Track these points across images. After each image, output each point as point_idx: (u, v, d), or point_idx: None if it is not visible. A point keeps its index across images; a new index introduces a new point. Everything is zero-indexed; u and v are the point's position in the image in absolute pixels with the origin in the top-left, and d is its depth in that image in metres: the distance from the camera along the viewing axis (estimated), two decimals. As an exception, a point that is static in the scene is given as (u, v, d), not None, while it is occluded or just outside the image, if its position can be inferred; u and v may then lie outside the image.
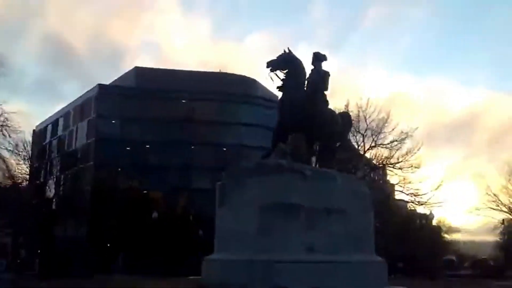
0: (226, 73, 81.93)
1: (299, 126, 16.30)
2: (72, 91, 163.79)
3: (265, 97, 79.71)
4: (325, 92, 16.66)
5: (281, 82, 16.07)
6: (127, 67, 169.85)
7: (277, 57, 16.01)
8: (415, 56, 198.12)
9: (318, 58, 16.63)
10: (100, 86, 74.53)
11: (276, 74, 16.02)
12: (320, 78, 16.44)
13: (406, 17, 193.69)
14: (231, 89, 76.04)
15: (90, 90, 75.87)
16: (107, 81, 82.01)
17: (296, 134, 16.96)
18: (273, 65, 15.94)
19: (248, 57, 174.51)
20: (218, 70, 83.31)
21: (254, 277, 13.42)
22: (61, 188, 66.84)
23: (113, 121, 71.98)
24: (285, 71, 16.03)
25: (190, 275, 27.70)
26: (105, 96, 72.85)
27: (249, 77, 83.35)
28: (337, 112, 19.51)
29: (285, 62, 16.00)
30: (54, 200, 65.30)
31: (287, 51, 16.09)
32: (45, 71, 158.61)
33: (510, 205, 67.05)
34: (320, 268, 14.31)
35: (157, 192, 65.42)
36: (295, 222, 14.33)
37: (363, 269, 15.52)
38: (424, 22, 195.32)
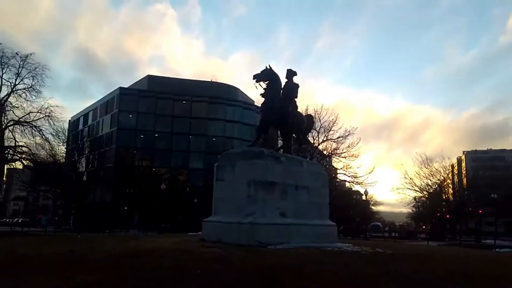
0: (216, 82, 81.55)
1: (276, 124, 16.38)
2: (96, 91, 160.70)
3: (244, 101, 79.60)
4: (295, 99, 16.69)
5: (263, 91, 16.03)
6: (140, 74, 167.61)
7: (261, 72, 15.95)
8: (354, 73, 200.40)
9: (291, 74, 16.64)
10: (121, 88, 73.14)
11: (260, 85, 15.98)
12: (292, 88, 16.48)
13: (347, 44, 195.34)
14: (219, 94, 75.68)
15: (113, 91, 74.47)
16: (123, 85, 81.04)
17: (273, 129, 16.88)
18: (258, 78, 15.91)
19: (231, 69, 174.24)
20: (210, 80, 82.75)
21: (241, 235, 13.45)
22: (89, 165, 65.78)
23: (131, 115, 70.85)
24: (266, 82, 16.00)
25: (189, 231, 27.60)
26: (125, 96, 71.54)
27: (232, 85, 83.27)
28: (304, 114, 19.62)
29: (267, 76, 15.97)
30: (85, 173, 64.32)
31: (268, 67, 16.05)
32: (76, 75, 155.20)
33: (421, 186, 68.53)
34: (290, 229, 14.43)
35: (163, 169, 65.06)
36: (272, 195, 14.39)
37: (320, 230, 15.68)
38: (360, 48, 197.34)
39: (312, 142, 43.84)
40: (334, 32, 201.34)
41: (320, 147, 43.09)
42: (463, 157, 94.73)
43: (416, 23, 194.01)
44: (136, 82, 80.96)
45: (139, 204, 52.22)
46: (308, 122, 17.52)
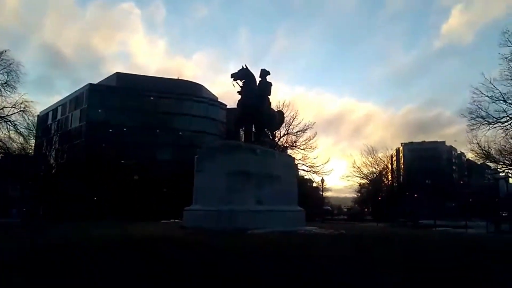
0: (182, 80, 79.75)
1: (251, 119, 16.32)
2: (62, 87, 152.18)
3: (209, 97, 78.73)
4: (269, 97, 16.70)
5: (240, 89, 15.91)
6: (106, 70, 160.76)
7: (238, 71, 15.83)
8: (307, 73, 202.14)
9: (264, 73, 16.64)
10: (91, 84, 70.07)
11: (237, 83, 15.84)
12: (266, 87, 16.49)
13: (301, 47, 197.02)
14: (186, 90, 74.30)
15: (83, 87, 71.16)
16: (90, 81, 77.19)
17: (249, 124, 16.79)
18: (235, 76, 15.78)
19: (195, 67, 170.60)
20: (176, 77, 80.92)
21: (222, 222, 13.37)
22: (59, 158, 62.56)
23: (99, 110, 68.07)
24: (243, 81, 15.89)
25: (161, 219, 27.00)
26: (94, 92, 68.60)
27: (197, 83, 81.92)
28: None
29: (243, 75, 15.87)
30: (54, 166, 61.08)
31: (244, 67, 15.94)
32: (42, 71, 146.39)
33: (367, 174, 70.85)
34: (265, 215, 14.49)
35: (132, 161, 62.95)
36: (249, 184, 14.40)
37: (292, 215, 15.90)
38: (313, 50, 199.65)
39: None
40: (290, 35, 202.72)
41: (282, 140, 43.36)
42: (401, 148, 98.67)
43: (364, 28, 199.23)
44: (105, 78, 77.66)
45: (110, 194, 50.36)
46: (280, 117, 17.60)
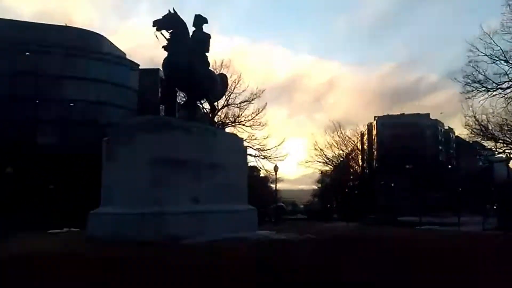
0: (73, 27, 75.97)
1: (182, 85, 16.14)
2: None
3: (113, 53, 76.23)
4: (207, 54, 16.56)
5: (166, 42, 15.55)
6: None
7: (163, 17, 15.39)
8: (251, 20, 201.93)
9: (200, 21, 16.43)
10: None
11: (162, 34, 15.46)
12: (202, 40, 16.32)
13: None
14: (78, 43, 71.13)
15: None
16: None
17: (179, 91, 16.57)
18: (159, 25, 15.32)
19: (91, 10, 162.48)
20: (64, 24, 77.03)
21: (146, 229, 13.21)
22: None
23: None
24: (170, 32, 15.53)
25: (47, 228, 25.90)
26: None
27: (97, 33, 78.39)
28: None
29: (171, 23, 15.48)
30: None
31: (172, 11, 15.54)
32: None
33: (332, 159, 73.46)
34: (205, 217, 14.56)
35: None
36: (183, 176, 14.32)
37: (240, 216, 16.13)
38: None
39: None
40: None
41: (220, 114, 43.47)
42: (374, 123, 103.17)
43: None
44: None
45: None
46: (222, 82, 17.55)
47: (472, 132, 37.78)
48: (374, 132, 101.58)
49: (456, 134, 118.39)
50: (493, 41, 31.14)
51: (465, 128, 38.11)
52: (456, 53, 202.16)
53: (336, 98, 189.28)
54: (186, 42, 15.81)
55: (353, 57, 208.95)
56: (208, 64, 16.62)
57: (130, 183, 14.01)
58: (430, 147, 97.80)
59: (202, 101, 17.08)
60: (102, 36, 78.59)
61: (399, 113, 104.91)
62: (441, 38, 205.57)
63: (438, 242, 15.16)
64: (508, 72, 30.86)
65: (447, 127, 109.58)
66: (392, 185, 77.17)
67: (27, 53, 67.23)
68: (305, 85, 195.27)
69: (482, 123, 35.14)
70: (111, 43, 79.40)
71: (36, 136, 65.49)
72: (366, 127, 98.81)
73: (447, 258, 10.21)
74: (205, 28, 16.64)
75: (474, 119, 35.10)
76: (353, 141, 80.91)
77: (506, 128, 34.81)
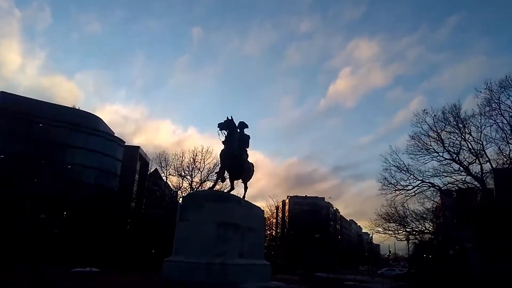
0: (77, 109, 73.59)
1: (232, 170, 16.39)
2: None
3: (107, 132, 73.89)
4: (247, 149, 17.11)
5: (224, 139, 16.03)
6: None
7: (224, 121, 15.94)
8: (200, 113, 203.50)
9: (243, 126, 17.06)
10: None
11: (223, 133, 15.96)
12: (246, 139, 16.94)
13: (198, 84, 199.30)
14: (81, 121, 68.49)
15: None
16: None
17: (231, 174, 16.66)
18: (221, 127, 15.88)
19: (76, 89, 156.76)
20: (72, 105, 74.39)
21: (212, 275, 12.82)
22: None
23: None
24: (227, 131, 16.08)
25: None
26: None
27: (95, 115, 76.20)
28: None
29: (227, 126, 16.06)
30: None
31: (230, 118, 16.20)
32: None
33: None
34: (246, 268, 14.32)
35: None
36: (236, 236, 14.20)
37: (263, 269, 15.95)
38: (209, 90, 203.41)
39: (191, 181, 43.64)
40: (188, 70, 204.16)
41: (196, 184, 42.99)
42: (287, 200, 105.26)
43: (261, 76, 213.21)
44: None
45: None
46: (252, 169, 17.93)
47: (382, 218, 36.63)
48: (287, 207, 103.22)
49: (340, 214, 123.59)
50: (398, 156, 33.87)
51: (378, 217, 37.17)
52: (341, 153, 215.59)
53: (257, 178, 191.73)
54: (236, 140, 16.34)
55: (270, 149, 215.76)
56: (247, 156, 17.08)
57: (198, 239, 13.65)
58: (325, 222, 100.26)
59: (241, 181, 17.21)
60: (100, 118, 76.45)
61: (304, 195, 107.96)
62: (331, 141, 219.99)
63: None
64: (407, 178, 33.34)
65: (335, 208, 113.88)
66: (303, 248, 76.60)
67: (41, 125, 63.54)
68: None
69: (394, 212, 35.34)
70: (106, 124, 77.10)
71: (40, 190, 59.97)
72: (281, 202, 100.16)
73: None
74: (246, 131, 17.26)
75: (394, 208, 35.27)
76: (268, 212, 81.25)
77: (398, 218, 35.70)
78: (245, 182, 17.04)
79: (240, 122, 17.06)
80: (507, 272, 27.83)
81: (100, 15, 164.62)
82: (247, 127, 17.19)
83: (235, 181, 17.16)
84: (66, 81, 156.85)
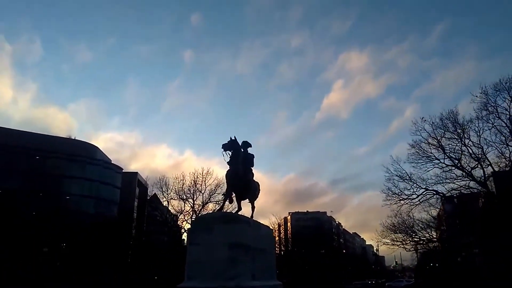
0: (75, 140, 73.28)
1: (239, 190, 16.28)
2: None
3: (104, 159, 73.55)
4: (251, 168, 17.04)
5: (229, 159, 15.97)
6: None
7: (228, 142, 15.92)
8: (196, 135, 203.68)
9: (246, 145, 17.04)
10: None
11: (227, 153, 15.91)
12: (251, 159, 16.88)
13: (192, 106, 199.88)
14: (78, 151, 68.26)
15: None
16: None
17: (238, 194, 16.52)
18: (225, 147, 15.84)
19: (70, 119, 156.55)
20: (68, 136, 74.21)
21: (226, 299, 12.55)
22: None
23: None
24: (231, 151, 16.03)
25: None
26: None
27: (92, 144, 76.08)
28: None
29: (231, 146, 16.03)
30: None
31: (233, 138, 16.18)
32: None
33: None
34: (260, 291, 14.07)
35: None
36: (247, 257, 13.96)
37: (275, 290, 15.68)
38: (203, 112, 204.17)
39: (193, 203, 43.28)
40: (181, 93, 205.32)
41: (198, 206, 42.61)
42: (289, 217, 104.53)
43: (254, 94, 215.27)
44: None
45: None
46: (258, 188, 17.81)
47: (389, 229, 36.51)
48: (289, 224, 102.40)
49: (343, 227, 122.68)
50: (400, 165, 33.82)
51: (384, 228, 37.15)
52: (338, 166, 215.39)
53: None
54: (241, 160, 16.26)
55: (267, 167, 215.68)
56: (253, 175, 16.99)
57: (210, 262, 13.38)
58: (329, 237, 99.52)
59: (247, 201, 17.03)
60: (97, 146, 76.30)
61: (305, 211, 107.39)
62: (328, 154, 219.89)
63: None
64: (411, 187, 33.13)
65: (337, 222, 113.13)
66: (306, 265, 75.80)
67: (37, 157, 63.13)
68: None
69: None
70: (102, 152, 76.81)
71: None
72: (283, 219, 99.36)
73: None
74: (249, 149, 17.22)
75: (400, 219, 34.94)
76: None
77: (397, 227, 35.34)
78: (252, 202, 16.88)
79: (244, 141, 17.03)
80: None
81: (90, 44, 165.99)
82: (251, 146, 17.14)
83: (242, 201, 17.00)
84: (59, 111, 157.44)
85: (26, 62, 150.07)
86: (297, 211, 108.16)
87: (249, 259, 14.02)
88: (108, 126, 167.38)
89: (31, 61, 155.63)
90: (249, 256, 14.04)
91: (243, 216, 15.33)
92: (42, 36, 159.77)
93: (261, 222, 17.67)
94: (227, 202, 16.19)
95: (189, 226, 45.82)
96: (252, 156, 17.06)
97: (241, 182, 15.77)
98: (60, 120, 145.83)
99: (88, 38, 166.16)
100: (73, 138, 74.14)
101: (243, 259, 13.61)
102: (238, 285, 12.81)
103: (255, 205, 17.04)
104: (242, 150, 16.78)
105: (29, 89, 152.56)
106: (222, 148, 15.74)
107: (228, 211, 23.05)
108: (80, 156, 68.21)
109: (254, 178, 17.10)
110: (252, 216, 16.66)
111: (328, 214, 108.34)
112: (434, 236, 37.90)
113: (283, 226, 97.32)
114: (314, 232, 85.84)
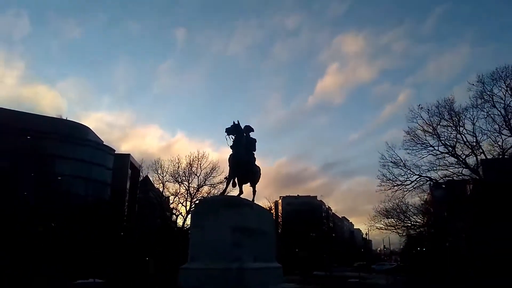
0: (66, 120, 72.32)
1: (241, 174, 16.37)
2: None
3: (96, 141, 72.88)
4: (254, 152, 17.11)
5: (232, 143, 16.00)
6: None
7: (231, 126, 15.92)
8: (188, 116, 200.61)
9: (249, 129, 17.07)
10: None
11: (231, 137, 15.93)
12: (253, 143, 16.96)
13: (184, 87, 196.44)
14: (70, 131, 67.50)
15: None
16: None
17: (240, 178, 16.58)
18: (229, 132, 15.86)
19: (59, 98, 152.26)
20: (59, 116, 73.19)
21: (229, 281, 12.76)
22: None
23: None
24: (234, 136, 16.06)
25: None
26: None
27: (84, 125, 75.23)
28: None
29: (234, 130, 16.05)
30: None
31: (236, 122, 16.18)
32: None
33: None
34: (261, 272, 14.28)
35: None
36: (250, 240, 14.15)
37: (275, 271, 15.95)
38: (196, 93, 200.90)
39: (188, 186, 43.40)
40: (173, 73, 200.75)
41: (193, 189, 42.73)
42: (280, 201, 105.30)
43: (248, 76, 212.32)
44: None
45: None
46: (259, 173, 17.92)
47: (382, 214, 37.59)
48: (280, 207, 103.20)
49: (333, 211, 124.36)
50: (395, 152, 34.07)
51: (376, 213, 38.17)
52: (330, 150, 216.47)
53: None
54: (243, 144, 16.31)
55: (259, 150, 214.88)
56: (255, 159, 17.07)
57: (214, 244, 13.57)
58: (319, 220, 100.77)
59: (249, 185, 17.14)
60: (88, 127, 75.42)
61: (296, 195, 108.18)
62: (320, 139, 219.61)
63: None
64: (405, 173, 33.61)
65: (328, 206, 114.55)
66: (296, 250, 76.66)
67: (28, 137, 62.14)
68: (226, 170, 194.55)
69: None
70: (94, 133, 76.02)
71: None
72: (274, 203, 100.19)
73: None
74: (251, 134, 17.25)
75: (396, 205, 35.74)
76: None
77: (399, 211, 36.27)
78: (253, 186, 17.01)
79: (246, 126, 17.04)
80: (500, 258, 28.36)
81: (80, 20, 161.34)
82: (253, 131, 17.20)
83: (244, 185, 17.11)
84: (48, 90, 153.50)
85: (13, 37, 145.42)
86: (288, 195, 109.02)
87: (251, 242, 14.20)
88: (98, 106, 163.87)
89: (19, 37, 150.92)
90: (252, 239, 14.22)
91: (246, 199, 15.47)
92: (29, 11, 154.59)
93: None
94: (230, 186, 16.07)
95: (184, 208, 46.20)
96: (255, 140, 17.13)
97: (244, 166, 15.87)
98: (49, 99, 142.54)
99: (77, 14, 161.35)
100: (65, 118, 73.22)
101: (246, 241, 13.80)
102: (240, 267, 13.04)
103: (256, 189, 17.18)
104: (245, 135, 16.82)
105: (16, 66, 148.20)
106: (225, 132, 15.76)
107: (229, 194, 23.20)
108: (72, 136, 67.41)
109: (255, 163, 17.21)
110: (253, 199, 16.82)
111: (319, 198, 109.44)
112: (424, 222, 38.74)
113: (273, 210, 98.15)
114: (304, 216, 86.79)
